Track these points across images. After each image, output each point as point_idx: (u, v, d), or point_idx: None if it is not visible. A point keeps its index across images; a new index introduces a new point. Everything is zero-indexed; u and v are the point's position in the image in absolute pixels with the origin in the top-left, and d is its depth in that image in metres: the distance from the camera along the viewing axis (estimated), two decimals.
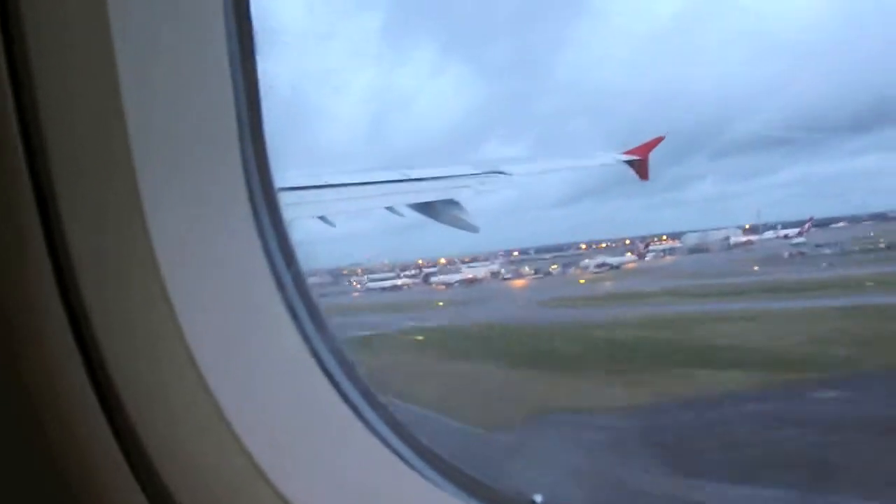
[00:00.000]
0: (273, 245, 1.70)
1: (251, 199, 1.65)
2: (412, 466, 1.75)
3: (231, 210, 1.62)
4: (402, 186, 9.55)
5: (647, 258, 48.33)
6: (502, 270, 46.66)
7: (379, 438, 1.74)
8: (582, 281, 44.81)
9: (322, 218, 8.05)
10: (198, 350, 1.49)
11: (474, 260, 49.27)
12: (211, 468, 1.53)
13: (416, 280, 46.78)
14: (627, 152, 13.47)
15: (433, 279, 46.63)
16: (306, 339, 1.72)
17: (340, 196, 8.56)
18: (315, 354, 1.72)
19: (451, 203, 9.48)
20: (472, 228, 9.56)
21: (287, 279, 1.72)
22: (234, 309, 1.63)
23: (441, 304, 41.34)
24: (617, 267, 45.71)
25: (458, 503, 1.77)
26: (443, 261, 49.19)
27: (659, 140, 13.64)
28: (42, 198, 1.41)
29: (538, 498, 2.10)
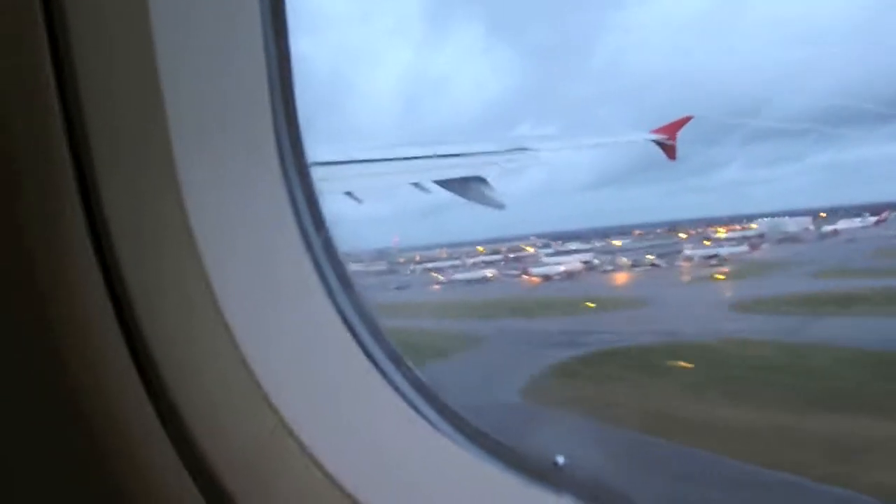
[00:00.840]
0: (303, 210, 1.73)
1: (283, 171, 1.68)
2: (439, 429, 1.79)
3: (264, 178, 1.66)
4: (428, 163, 9.53)
5: (761, 249, 42.16)
6: (596, 261, 42.24)
7: (407, 402, 1.78)
8: (720, 276, 37.45)
9: (349, 194, 8.09)
10: (234, 321, 1.53)
11: (545, 246, 46.07)
12: (246, 437, 1.57)
13: (503, 271, 42.39)
14: (655, 131, 13.32)
15: (529, 271, 41.71)
16: (335, 303, 1.76)
17: (367, 171, 8.58)
18: (346, 320, 1.76)
19: (478, 179, 9.45)
20: (498, 205, 9.53)
21: (318, 248, 1.76)
22: (267, 279, 1.67)
23: (592, 305, 33.82)
24: (726, 258, 40.20)
25: (483, 464, 1.81)
26: (503, 248, 45.71)
27: (687, 120, 13.48)
28: (81, 173, 1.44)
29: (560, 459, 2.14)
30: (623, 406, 19.69)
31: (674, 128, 13.38)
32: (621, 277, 40.41)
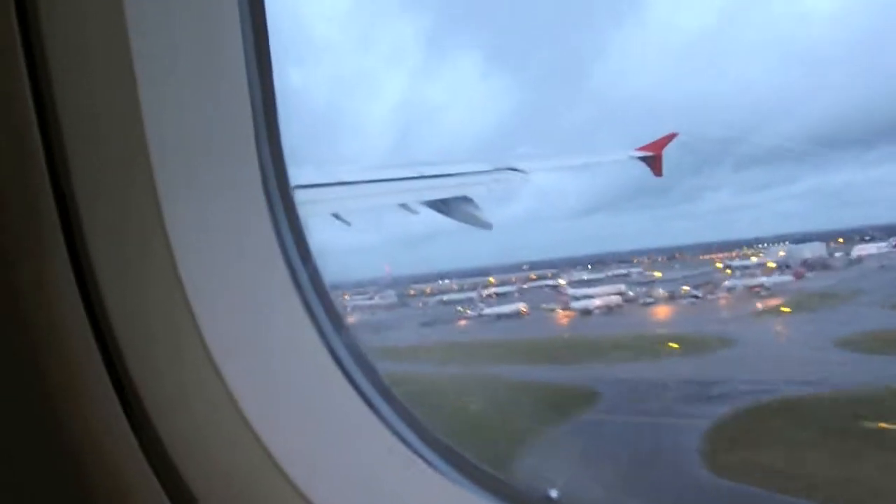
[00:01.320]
0: (290, 244, 1.72)
1: (268, 198, 1.67)
2: (427, 461, 1.77)
3: (248, 209, 1.65)
4: (415, 184, 9.53)
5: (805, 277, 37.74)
6: (630, 292, 38.46)
7: (395, 433, 1.76)
8: (786, 309, 33.16)
9: (336, 215, 8.07)
10: (215, 347, 1.52)
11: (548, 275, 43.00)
12: (228, 463, 1.56)
13: (532, 304, 38.08)
14: (640, 148, 13.40)
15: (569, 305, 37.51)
16: (323, 335, 1.74)
17: (354, 193, 8.58)
18: (331, 351, 1.74)
19: (465, 200, 9.46)
20: (486, 225, 9.54)
21: (304, 276, 1.74)
22: (251, 307, 1.65)
23: (675, 346, 29.80)
24: (769, 288, 36.36)
25: (473, 497, 1.78)
26: (514, 278, 42.28)
27: (672, 136, 13.56)
28: (62, 200, 1.43)
29: (553, 493, 2.11)
30: (860, 483, 15.16)
31: (659, 145, 13.46)
32: (664, 311, 36.58)
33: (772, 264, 38.22)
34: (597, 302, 36.22)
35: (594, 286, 39.42)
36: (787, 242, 40.59)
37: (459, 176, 10.13)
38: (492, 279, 41.12)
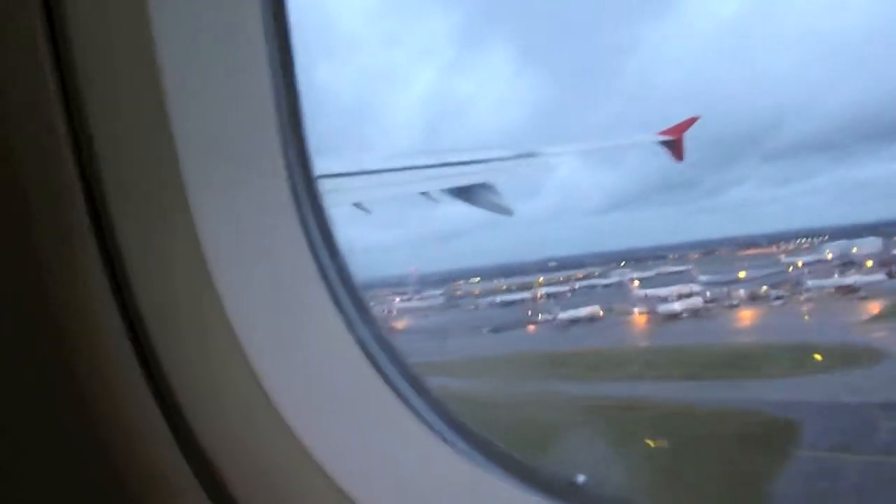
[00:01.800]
0: (315, 235, 1.73)
1: (293, 191, 1.68)
2: (458, 450, 1.79)
3: (274, 203, 1.66)
4: (436, 171, 9.52)
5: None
6: (708, 293, 34.17)
7: (425, 423, 1.77)
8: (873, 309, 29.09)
9: (357, 204, 8.09)
10: (246, 343, 1.53)
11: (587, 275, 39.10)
12: (265, 459, 1.57)
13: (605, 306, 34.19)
14: (662, 132, 13.27)
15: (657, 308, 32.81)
16: (351, 328, 1.75)
17: (376, 182, 8.58)
18: (361, 344, 1.76)
19: (486, 187, 9.43)
20: (507, 211, 9.52)
21: (331, 270, 1.75)
22: (280, 301, 1.67)
23: (819, 357, 25.24)
24: (860, 288, 32.36)
25: (503, 485, 1.80)
26: (578, 274, 38.31)
27: (693, 120, 13.41)
28: (91, 197, 1.44)
29: (580, 478, 2.12)
30: None
31: (680, 128, 13.32)
32: (751, 314, 32.60)
33: (868, 264, 33.70)
34: (679, 304, 32.31)
35: (661, 286, 35.49)
36: (826, 237, 38.09)
37: (480, 163, 10.10)
38: (540, 279, 38.81)
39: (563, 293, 37.38)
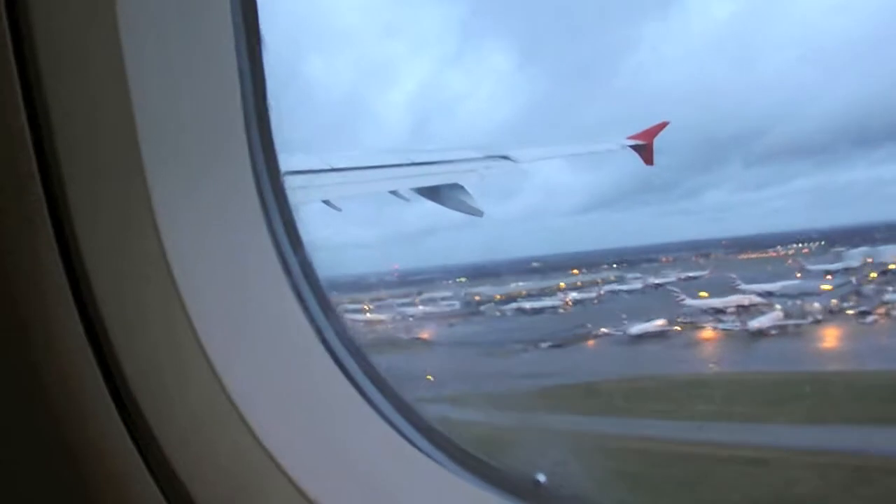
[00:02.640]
0: (280, 232, 1.72)
1: (258, 185, 1.66)
2: (420, 448, 1.78)
3: (239, 198, 1.64)
4: (406, 171, 9.53)
5: None
6: (756, 300, 30.10)
7: (387, 422, 1.77)
8: None
9: (327, 202, 8.06)
10: (207, 340, 1.51)
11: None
12: (224, 459, 1.55)
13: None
14: (631, 137, 13.42)
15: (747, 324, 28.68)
16: (314, 324, 1.74)
17: (346, 180, 8.56)
18: (323, 340, 1.74)
19: (456, 187, 9.47)
20: (477, 212, 9.56)
21: (294, 265, 1.74)
22: (242, 296, 1.65)
23: None
24: None
25: (465, 483, 1.80)
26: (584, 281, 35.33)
27: (663, 125, 13.59)
28: (51, 194, 1.42)
29: (541, 477, 2.14)
30: None
31: (650, 133, 13.49)
32: (836, 333, 27.62)
33: None
34: (767, 320, 27.39)
35: (692, 293, 31.28)
36: (821, 242, 35.09)
37: (450, 163, 10.14)
38: (562, 283, 35.22)
39: (591, 300, 34.17)
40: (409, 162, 9.64)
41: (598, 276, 36.51)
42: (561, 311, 32.60)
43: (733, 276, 32.59)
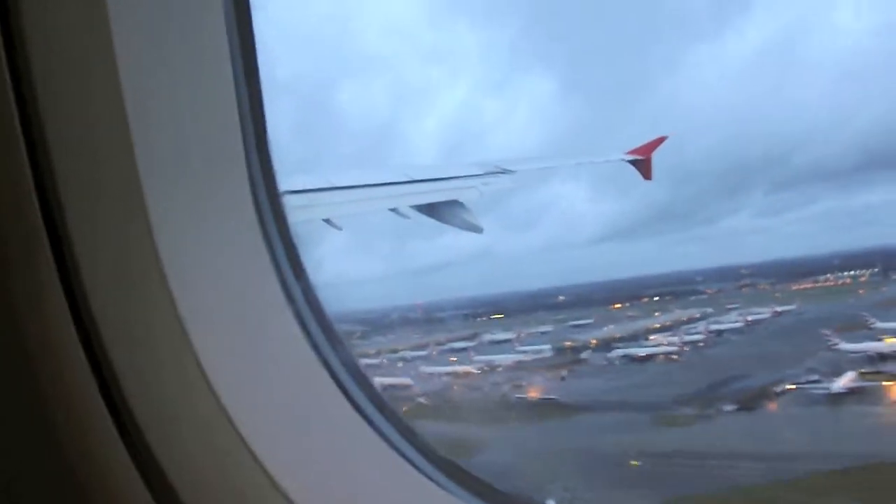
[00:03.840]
0: (281, 256, 1.71)
1: (257, 208, 1.66)
2: (425, 473, 1.76)
3: (237, 219, 1.63)
4: (406, 188, 9.53)
5: None
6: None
7: (391, 446, 1.75)
8: None
9: (328, 221, 8.05)
10: (207, 362, 1.50)
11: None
12: (223, 479, 1.54)
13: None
14: (631, 152, 13.44)
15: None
16: (316, 349, 1.73)
17: (346, 198, 8.56)
18: (326, 364, 1.73)
19: (456, 204, 9.46)
20: (477, 229, 9.55)
21: (297, 290, 1.73)
22: (243, 320, 1.64)
23: None
24: None
25: None
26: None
27: (662, 140, 13.61)
28: (49, 212, 1.42)
29: (551, 503, 2.11)
30: None
31: (649, 148, 13.51)
32: None
33: None
34: None
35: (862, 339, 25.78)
36: (874, 269, 32.56)
37: (450, 180, 10.14)
38: (655, 324, 31.37)
39: (698, 343, 29.91)
40: (408, 179, 9.64)
41: (680, 314, 32.31)
42: (675, 357, 28.49)
43: (864, 312, 28.14)
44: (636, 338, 31.15)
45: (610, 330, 31.78)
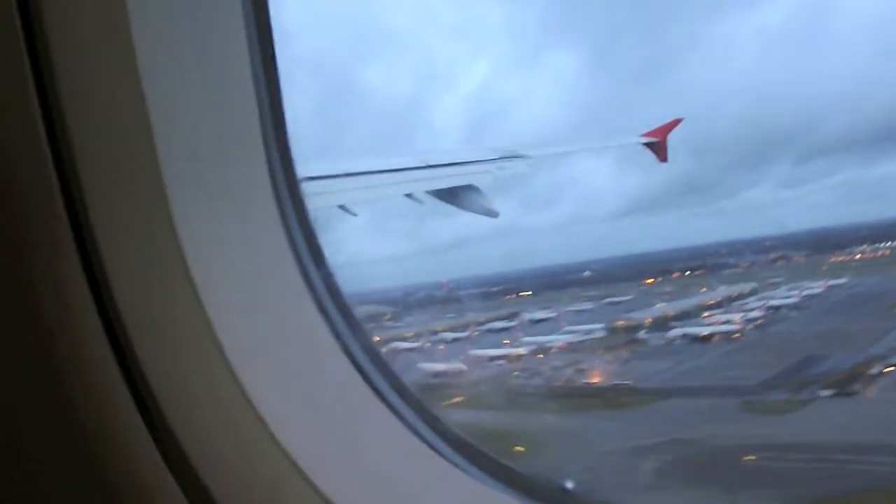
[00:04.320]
0: (301, 244, 1.71)
1: (277, 198, 1.66)
2: (444, 456, 1.77)
3: (257, 207, 1.64)
4: (421, 173, 9.52)
5: None
6: None
7: (413, 431, 1.76)
8: None
9: (342, 207, 8.06)
10: (231, 350, 1.51)
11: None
12: (248, 467, 1.55)
13: None
14: (646, 134, 13.35)
15: None
16: (337, 336, 1.73)
17: (360, 184, 8.56)
18: (347, 351, 1.74)
19: (471, 188, 9.45)
20: (493, 214, 9.54)
21: (317, 278, 1.73)
22: (265, 309, 1.65)
23: None
24: None
25: (488, 490, 1.78)
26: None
27: (677, 122, 13.51)
28: (71, 200, 1.43)
29: (569, 484, 2.11)
30: None
31: (664, 130, 13.42)
32: None
33: None
34: None
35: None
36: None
37: (464, 164, 10.12)
38: (710, 300, 28.79)
39: (757, 320, 27.84)
40: (423, 164, 9.63)
41: (728, 289, 30.26)
42: (737, 336, 26.48)
43: None
44: (689, 316, 29.01)
45: (661, 308, 29.74)
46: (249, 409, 1.52)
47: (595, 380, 24.80)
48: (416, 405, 1.81)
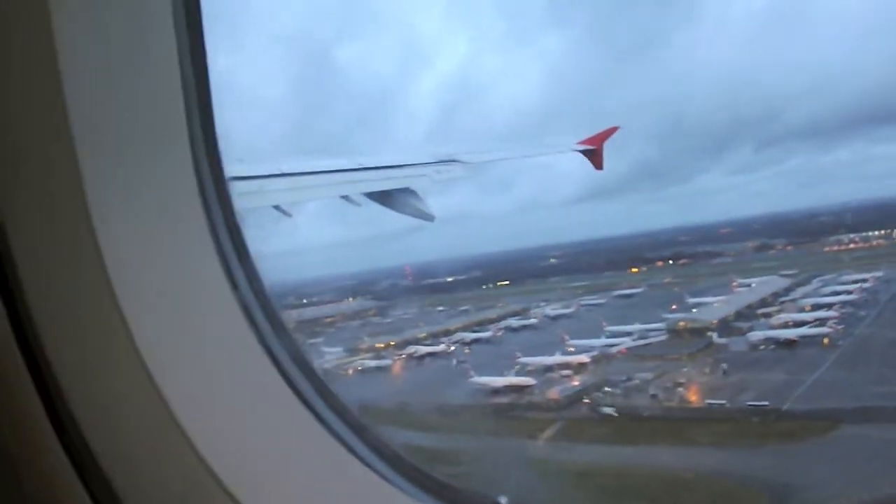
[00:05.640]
0: (225, 241, 1.66)
1: (202, 193, 1.61)
2: (374, 469, 1.73)
3: (182, 207, 1.58)
4: (357, 175, 9.49)
5: None
6: None
7: (339, 440, 1.72)
8: None
9: (277, 207, 7.96)
10: (146, 351, 1.46)
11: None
12: (162, 473, 1.50)
13: None
14: (582, 142, 13.59)
15: None
16: (260, 336, 1.68)
17: (296, 185, 8.48)
18: (270, 353, 1.69)
19: (408, 192, 9.45)
20: (428, 217, 9.55)
21: (240, 275, 1.68)
22: (184, 307, 1.59)
23: None
24: None
25: (414, 501, 1.76)
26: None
27: (613, 130, 13.79)
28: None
29: (503, 500, 2.10)
30: None
31: (600, 138, 13.68)
32: None
33: None
34: None
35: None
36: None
37: (402, 167, 10.13)
38: (763, 298, 26.82)
39: (830, 320, 25.27)
40: (359, 167, 9.60)
41: (772, 285, 27.93)
42: (826, 340, 24.17)
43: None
44: (747, 317, 27.20)
45: (720, 307, 27.13)
46: (165, 412, 1.47)
47: (695, 398, 21.78)
48: (343, 413, 1.77)
